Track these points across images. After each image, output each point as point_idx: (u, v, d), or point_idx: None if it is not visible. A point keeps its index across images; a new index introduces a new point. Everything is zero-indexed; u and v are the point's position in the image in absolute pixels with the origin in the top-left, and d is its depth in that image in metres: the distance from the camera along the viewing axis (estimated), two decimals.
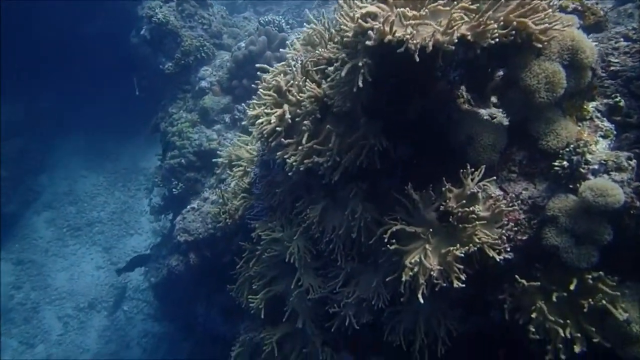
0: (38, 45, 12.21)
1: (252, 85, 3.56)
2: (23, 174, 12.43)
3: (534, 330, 2.65)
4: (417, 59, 2.28)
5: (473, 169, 2.70)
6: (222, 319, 5.94)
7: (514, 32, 2.40)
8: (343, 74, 2.45)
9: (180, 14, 7.73)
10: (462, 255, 2.58)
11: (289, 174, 3.18)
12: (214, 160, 5.12)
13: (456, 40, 2.26)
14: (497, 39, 2.33)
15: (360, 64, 2.48)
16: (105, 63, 12.07)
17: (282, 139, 3.17)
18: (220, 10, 8.43)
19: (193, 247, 5.72)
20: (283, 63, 3.56)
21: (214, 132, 7.16)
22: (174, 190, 7.29)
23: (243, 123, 6.67)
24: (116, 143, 13.71)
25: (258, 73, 3.55)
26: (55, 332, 10.51)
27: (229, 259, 5.09)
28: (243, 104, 6.64)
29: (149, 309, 10.47)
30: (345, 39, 2.51)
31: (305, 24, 3.53)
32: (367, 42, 2.33)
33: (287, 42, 4.76)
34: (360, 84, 2.48)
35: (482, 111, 2.97)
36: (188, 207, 5.91)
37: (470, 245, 2.61)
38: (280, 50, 6.33)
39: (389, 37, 2.28)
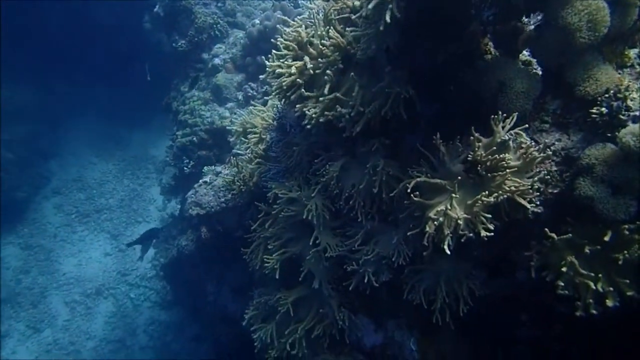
0: (51, 30, 12.21)
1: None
2: (32, 158, 12.40)
3: (562, 285, 2.50)
4: None
5: (505, 115, 2.57)
6: (233, 296, 5.82)
7: None
8: (370, 6, 2.33)
9: None
10: (492, 201, 2.45)
11: (308, 126, 3.07)
12: (228, 127, 5.00)
13: None
14: None
15: None
16: (118, 50, 12.05)
17: (303, 91, 3.06)
18: None
19: (205, 221, 5.60)
20: (304, 16, 3.45)
21: (226, 110, 7.05)
22: (185, 169, 7.22)
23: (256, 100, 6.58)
24: (126, 130, 13.70)
25: (278, 26, 3.44)
26: (62, 317, 10.44)
27: (240, 234, 4.98)
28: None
29: (156, 297, 10.40)
30: None
31: None
32: None
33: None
34: (388, 19, 2.36)
35: None
36: (200, 181, 5.81)
37: (500, 192, 2.49)
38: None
39: None
